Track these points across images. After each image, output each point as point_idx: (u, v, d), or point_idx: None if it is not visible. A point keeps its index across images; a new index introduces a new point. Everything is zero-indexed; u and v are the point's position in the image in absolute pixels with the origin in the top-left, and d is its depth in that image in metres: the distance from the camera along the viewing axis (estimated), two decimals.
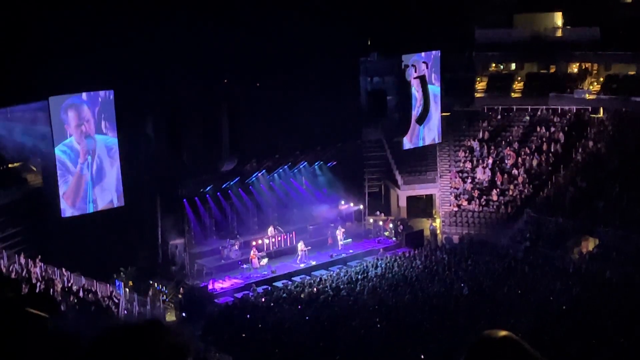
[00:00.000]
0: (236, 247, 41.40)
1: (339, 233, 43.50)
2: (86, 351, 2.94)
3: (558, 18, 54.10)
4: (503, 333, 3.09)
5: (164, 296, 36.76)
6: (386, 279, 37.91)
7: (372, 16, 44.14)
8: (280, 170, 45.68)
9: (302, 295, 36.53)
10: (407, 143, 44.85)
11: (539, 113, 50.48)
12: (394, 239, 45.08)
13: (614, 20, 50.83)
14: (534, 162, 47.38)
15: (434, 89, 44.70)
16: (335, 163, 47.15)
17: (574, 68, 52.96)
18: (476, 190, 47.22)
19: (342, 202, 46.84)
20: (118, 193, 35.58)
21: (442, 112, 46.23)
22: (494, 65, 54.92)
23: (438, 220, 47.32)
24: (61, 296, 31.39)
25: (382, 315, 33.65)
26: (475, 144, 49.72)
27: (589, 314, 32.83)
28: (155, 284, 37.36)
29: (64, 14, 34.19)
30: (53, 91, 33.60)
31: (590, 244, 40.35)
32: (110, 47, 34.32)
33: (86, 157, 34.55)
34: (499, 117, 51.30)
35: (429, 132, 45.56)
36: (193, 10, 37.67)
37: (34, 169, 39.45)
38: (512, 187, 46.61)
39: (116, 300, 33.71)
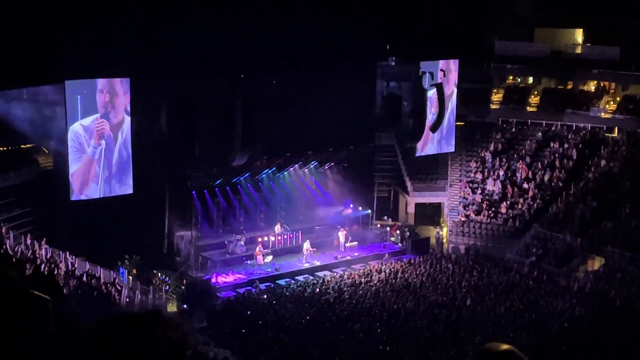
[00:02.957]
0: (242, 242, 41.42)
1: (342, 235, 43.46)
2: (86, 337, 2.94)
3: (579, 35, 54.00)
4: (505, 346, 3.08)
5: (167, 286, 36.82)
6: (390, 285, 37.88)
7: (393, 21, 44.16)
8: (291, 169, 45.67)
9: (305, 295, 36.54)
10: (420, 150, 44.80)
11: (553, 128, 50.37)
12: (400, 244, 45.02)
13: (634, 41, 50.69)
14: (546, 177, 47.25)
15: (450, 97, 44.63)
16: (346, 165, 47.09)
17: (592, 86, 52.85)
18: (485, 202, 47.11)
19: (351, 205, 46.81)
20: (128, 181, 35.65)
21: (456, 121, 46.16)
22: (511, 77, 54.85)
23: (445, 229, 47.24)
24: (64, 280, 31.48)
25: (383, 320, 33.63)
26: (487, 155, 49.62)
27: (590, 334, 32.74)
28: (159, 274, 37.42)
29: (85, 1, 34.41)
30: (70, 75, 33.70)
31: (596, 264, 40.22)
32: (129, 35, 34.46)
33: (99, 141, 34.66)
34: (514, 130, 51.21)
35: (443, 141, 45.49)
36: (214, 4, 37.74)
37: (46, 151, 39.60)
38: (521, 200, 46.48)
39: (119, 288, 33.77)
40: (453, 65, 44.35)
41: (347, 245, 43.33)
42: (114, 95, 34.70)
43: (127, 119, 35.34)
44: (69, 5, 34.18)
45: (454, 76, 44.48)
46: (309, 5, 39.45)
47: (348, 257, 42.57)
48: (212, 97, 38.14)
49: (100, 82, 34.49)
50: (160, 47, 35.49)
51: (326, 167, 46.68)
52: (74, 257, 34.57)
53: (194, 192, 41.26)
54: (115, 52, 34.52)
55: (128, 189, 35.68)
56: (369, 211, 46.98)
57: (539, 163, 48.31)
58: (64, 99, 33.41)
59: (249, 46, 38.06)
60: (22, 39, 33.55)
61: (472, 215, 46.64)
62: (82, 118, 34.08)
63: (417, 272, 39.61)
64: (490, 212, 46.41)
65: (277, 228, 43.17)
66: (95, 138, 34.50)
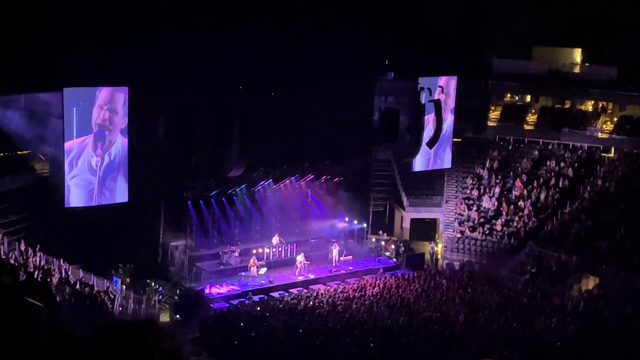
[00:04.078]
0: (236, 253, 41.38)
1: (334, 249, 43.41)
2: (79, 345, 2.93)
3: (577, 54, 54.19)
4: None
5: (160, 296, 36.73)
6: (383, 299, 37.82)
7: (392, 36, 44.26)
8: (287, 181, 45.67)
9: (298, 308, 36.47)
10: (417, 165, 44.82)
11: (550, 147, 50.46)
12: (394, 259, 45.01)
13: (633, 61, 50.88)
14: (541, 196, 47.29)
15: (448, 114, 44.68)
16: (342, 178, 47.12)
17: (589, 105, 52.97)
18: (481, 219, 47.12)
19: (346, 219, 46.84)
20: (123, 189, 35.56)
21: (453, 137, 46.21)
22: (509, 95, 54.96)
23: (440, 245, 47.23)
24: (57, 287, 31.39)
25: (376, 335, 33.56)
26: (484, 172, 49.68)
27: (583, 353, 32.68)
28: (153, 284, 37.34)
29: (85, 7, 34.41)
30: (68, 83, 33.65)
31: (590, 283, 40.20)
32: (128, 45, 34.48)
33: (96, 150, 34.55)
34: (510, 147, 51.29)
35: (439, 157, 45.51)
36: (214, 17, 37.83)
37: (43, 157, 39.54)
38: (517, 218, 46.51)
39: (112, 296, 33.69)
40: (451, 82, 44.41)
41: (341, 259, 43.29)
42: (113, 114, 34.49)
43: (123, 139, 35.07)
44: (69, 13, 34.21)
45: (452, 93, 44.53)
46: (307, 19, 39.53)
47: (342, 271, 42.53)
48: (209, 108, 38.14)
49: (101, 97, 34.14)
50: (159, 57, 35.51)
51: (322, 180, 46.72)
52: (67, 264, 34.50)
53: (189, 202, 41.25)
54: (115, 61, 34.51)
55: (123, 198, 35.57)
56: (364, 225, 46.99)
57: (535, 181, 48.37)
58: (61, 111, 33.19)
59: (247, 57, 38.11)
60: (21, 46, 33.59)
61: (468, 231, 46.64)
62: (78, 136, 33.82)
63: (411, 288, 39.55)
64: (485, 229, 46.42)
65: (275, 239, 43.14)
66: (91, 149, 34.32)
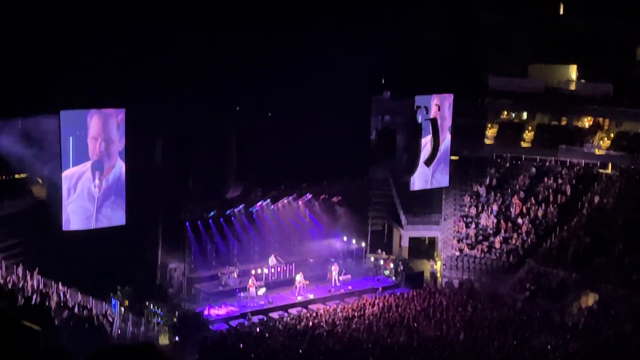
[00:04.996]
0: (235, 274, 41.29)
1: (334, 269, 43.32)
2: None
3: (572, 71, 54.39)
4: None
5: (159, 318, 36.59)
6: (383, 318, 37.69)
7: (388, 55, 44.40)
8: (285, 201, 45.65)
9: (298, 328, 36.33)
10: (414, 184, 44.82)
11: (547, 164, 50.53)
12: (393, 278, 44.92)
13: (628, 78, 51.06)
14: (539, 213, 47.28)
15: (445, 132, 44.75)
16: (340, 198, 47.12)
17: (586, 122, 53.08)
18: (479, 236, 47.08)
19: (344, 239, 46.80)
20: (121, 212, 35.49)
21: (451, 156, 46.26)
22: (505, 113, 55.08)
23: (439, 263, 47.15)
24: (56, 311, 31.29)
25: (376, 354, 33.40)
26: (481, 190, 49.71)
27: None
28: (151, 306, 37.21)
29: (82, 32, 34.53)
30: (65, 106, 33.66)
31: (590, 300, 40.09)
32: (125, 68, 34.59)
33: (94, 179, 34.46)
34: (508, 165, 51.34)
35: (437, 175, 45.52)
36: (211, 39, 37.98)
37: (40, 181, 39.49)
38: (515, 235, 46.48)
39: (110, 319, 33.57)
40: (448, 100, 44.50)
41: (340, 278, 43.20)
42: (109, 143, 34.45)
43: (121, 162, 35.02)
44: (65, 37, 34.32)
45: (448, 111, 44.61)
46: (303, 39, 39.65)
47: (341, 291, 42.43)
48: (207, 129, 38.21)
49: (93, 127, 34.03)
50: (155, 79, 35.59)
51: (320, 200, 46.72)
52: (66, 287, 34.41)
53: (187, 223, 41.20)
54: (112, 84, 34.60)
55: (121, 220, 35.49)
56: (363, 244, 46.94)
57: (533, 198, 48.38)
58: (58, 137, 33.16)
59: (243, 78, 38.23)
60: (17, 70, 33.65)
61: (466, 249, 46.59)
62: (75, 164, 33.77)
63: (411, 307, 39.44)
64: (484, 246, 46.38)
65: (272, 260, 43.06)
66: (90, 176, 34.26)
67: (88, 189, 34.11)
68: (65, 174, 33.39)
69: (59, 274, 34.63)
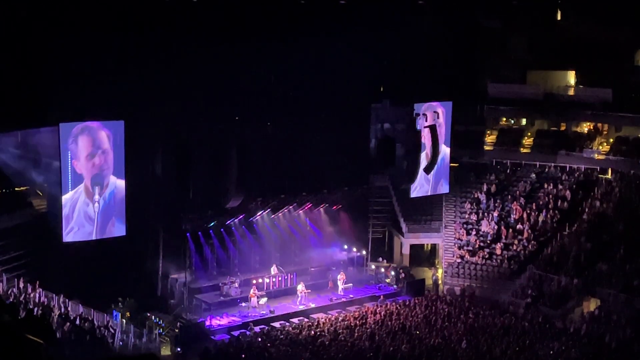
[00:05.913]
0: (236, 284, 41.23)
1: (340, 278, 43.30)
2: None
3: (571, 77, 54.49)
4: None
5: (161, 329, 36.56)
6: (385, 326, 37.66)
7: (387, 63, 44.51)
8: (285, 210, 45.66)
9: (300, 337, 36.30)
10: (414, 191, 44.85)
11: (547, 170, 50.57)
12: (395, 286, 44.87)
13: (627, 82, 51.13)
14: (540, 219, 47.27)
15: (444, 139, 44.81)
16: (340, 206, 47.14)
17: (585, 127, 53.14)
18: (480, 243, 47.06)
19: (345, 247, 46.80)
20: (121, 223, 35.52)
21: (450, 162, 46.31)
22: (504, 119, 55.16)
23: (440, 271, 47.13)
24: (57, 323, 31.26)
25: None
26: (481, 197, 49.71)
27: None
28: (153, 317, 37.18)
29: (81, 44, 34.61)
30: (64, 118, 33.72)
31: (591, 305, 40.07)
32: (124, 79, 34.65)
33: (93, 196, 34.48)
34: (507, 171, 51.38)
35: (437, 182, 45.58)
36: (210, 49, 38.05)
37: (40, 193, 39.54)
38: (516, 242, 46.46)
39: (112, 331, 33.53)
40: (447, 107, 44.57)
41: (342, 287, 43.17)
42: (108, 155, 34.48)
43: (121, 174, 35.05)
44: (64, 49, 34.39)
45: (447, 118, 44.69)
46: (303, 49, 39.73)
47: (343, 299, 42.40)
48: (207, 139, 38.27)
49: (84, 147, 33.92)
50: (155, 90, 35.66)
51: (320, 208, 46.74)
52: (67, 300, 34.39)
53: (188, 234, 41.18)
54: (111, 96, 34.67)
55: (121, 231, 35.51)
56: (364, 253, 46.93)
57: (533, 204, 48.38)
58: (58, 143, 33.24)
59: (243, 88, 38.31)
60: (16, 83, 33.72)
61: (467, 256, 46.56)
62: (72, 187, 33.85)
63: (413, 314, 39.42)
64: (485, 253, 46.35)
65: (274, 269, 43.05)
66: (86, 197, 34.29)
67: (85, 211, 34.21)
68: (64, 198, 33.49)
69: (61, 286, 34.62)
